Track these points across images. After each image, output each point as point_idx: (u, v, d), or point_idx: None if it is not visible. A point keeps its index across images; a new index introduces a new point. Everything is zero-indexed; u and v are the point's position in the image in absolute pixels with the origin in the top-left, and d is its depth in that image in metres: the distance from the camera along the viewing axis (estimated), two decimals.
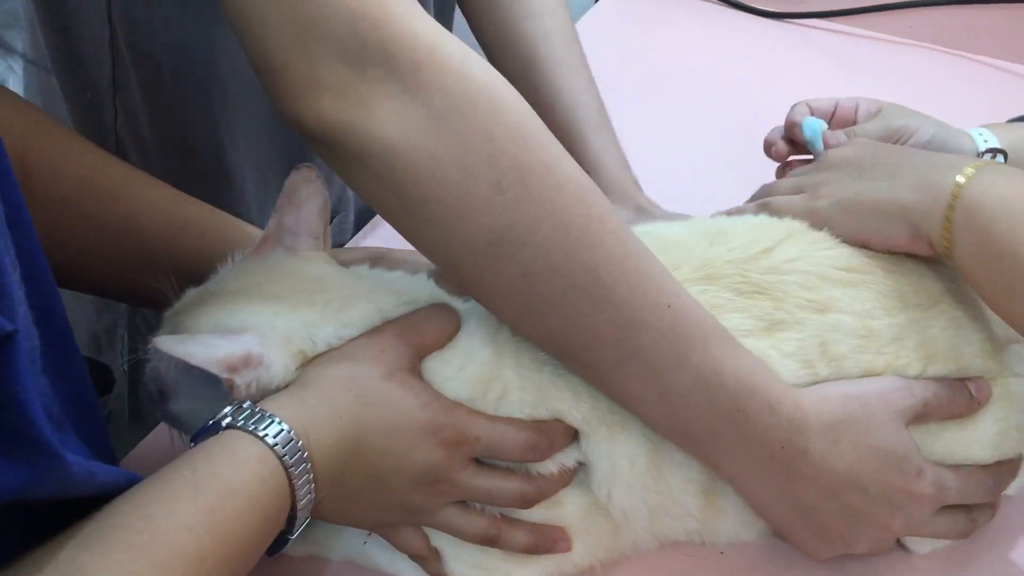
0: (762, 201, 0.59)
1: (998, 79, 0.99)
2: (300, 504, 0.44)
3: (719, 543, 0.54)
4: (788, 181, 0.60)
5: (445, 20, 0.77)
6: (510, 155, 0.44)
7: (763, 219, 0.57)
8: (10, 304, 0.35)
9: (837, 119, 0.66)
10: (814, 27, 1.07)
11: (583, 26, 0.76)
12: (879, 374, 0.51)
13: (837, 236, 0.54)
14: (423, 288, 0.52)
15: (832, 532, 0.51)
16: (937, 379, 0.52)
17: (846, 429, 0.49)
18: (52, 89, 0.72)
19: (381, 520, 0.50)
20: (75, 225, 0.53)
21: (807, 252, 0.53)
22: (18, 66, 0.85)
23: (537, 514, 0.51)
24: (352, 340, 0.49)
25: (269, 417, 0.44)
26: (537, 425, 0.50)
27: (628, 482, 0.50)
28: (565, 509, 0.51)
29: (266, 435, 0.43)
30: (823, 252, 0.54)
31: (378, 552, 0.53)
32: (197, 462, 0.42)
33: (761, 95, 0.95)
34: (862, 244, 0.54)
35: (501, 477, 0.49)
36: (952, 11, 1.07)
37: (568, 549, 0.51)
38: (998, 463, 0.53)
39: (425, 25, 0.43)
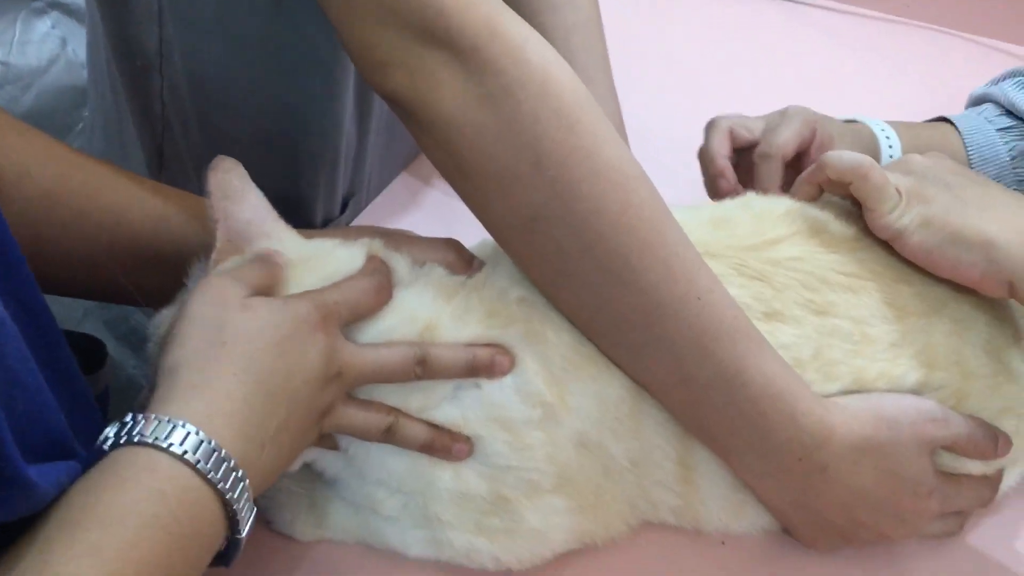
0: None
1: (998, 60, 0.99)
2: (241, 512, 0.42)
3: (708, 529, 0.55)
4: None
5: None
6: (553, 138, 0.47)
7: (770, 210, 0.56)
8: None
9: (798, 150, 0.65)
10: (811, 5, 1.07)
11: None
12: (871, 381, 0.52)
13: (901, 250, 0.53)
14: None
15: (834, 532, 0.53)
16: (975, 419, 0.53)
17: (870, 452, 0.50)
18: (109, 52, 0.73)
19: (305, 443, 0.48)
20: (57, 225, 0.53)
21: (811, 253, 0.54)
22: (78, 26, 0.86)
23: (514, 459, 0.50)
24: None
25: (170, 423, 0.41)
26: (373, 267, 0.50)
27: (612, 427, 0.51)
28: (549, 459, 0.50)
29: (218, 479, 0.41)
30: (828, 255, 0.54)
31: (389, 531, 0.53)
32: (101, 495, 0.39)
33: (757, 75, 0.95)
34: (927, 264, 0.53)
35: (383, 346, 0.49)
36: None
37: (466, 456, 0.50)
38: (991, 473, 0.55)
39: (487, 10, 0.47)
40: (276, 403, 0.44)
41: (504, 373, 0.50)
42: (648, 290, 0.48)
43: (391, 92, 0.48)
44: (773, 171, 0.64)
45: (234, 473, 0.42)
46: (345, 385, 0.48)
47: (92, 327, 0.91)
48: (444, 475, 0.50)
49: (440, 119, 0.47)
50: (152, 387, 0.45)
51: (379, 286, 0.50)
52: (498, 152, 0.47)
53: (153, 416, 0.41)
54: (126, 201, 0.54)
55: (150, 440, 0.40)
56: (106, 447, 0.41)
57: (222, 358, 0.44)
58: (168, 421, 0.41)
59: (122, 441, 0.41)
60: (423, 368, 0.49)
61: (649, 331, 0.49)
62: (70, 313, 0.90)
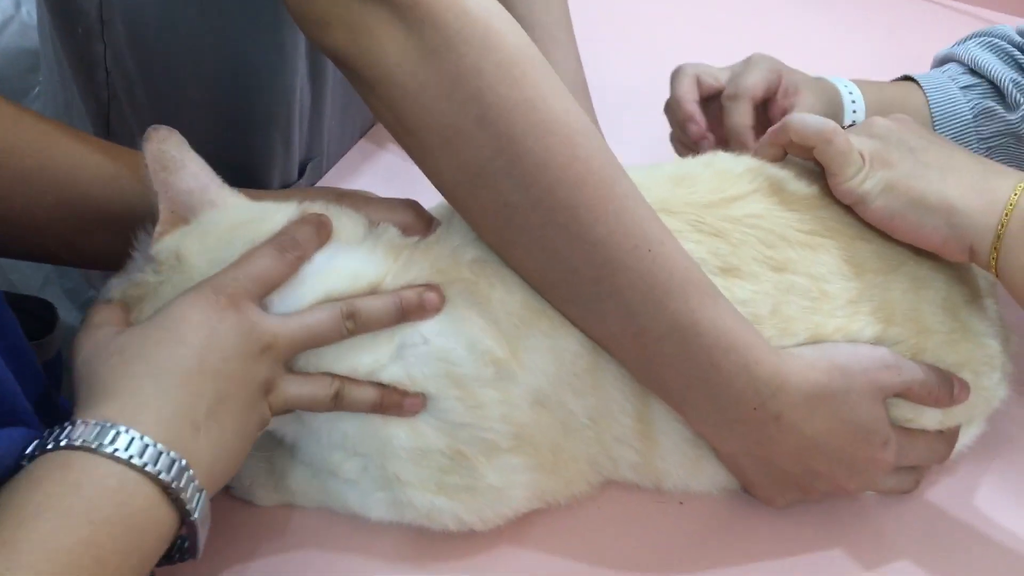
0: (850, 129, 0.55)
1: (965, 24, 0.99)
2: (185, 493, 0.41)
3: (667, 487, 0.55)
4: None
5: None
6: (496, 91, 0.46)
7: (731, 168, 0.56)
8: None
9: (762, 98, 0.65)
10: None
11: None
12: (829, 337, 0.52)
13: (864, 215, 0.53)
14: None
15: (790, 484, 0.53)
16: (929, 366, 0.53)
17: (824, 401, 0.50)
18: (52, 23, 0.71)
19: (253, 422, 0.47)
20: (2, 185, 0.51)
21: (771, 211, 0.54)
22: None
23: (468, 416, 0.49)
24: None
25: (81, 424, 0.40)
26: (281, 231, 0.49)
27: (570, 382, 0.51)
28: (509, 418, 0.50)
29: (130, 455, 0.40)
30: (788, 212, 0.54)
31: (350, 495, 0.53)
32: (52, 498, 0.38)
33: (720, 36, 0.95)
34: (889, 229, 0.53)
35: (308, 310, 0.48)
36: None
37: (419, 409, 0.49)
38: (947, 430, 0.55)
39: None
40: (196, 384, 0.43)
41: (436, 310, 0.49)
42: (598, 244, 0.48)
43: (333, 50, 0.48)
44: (743, 111, 0.64)
45: (163, 455, 0.41)
46: (279, 357, 0.47)
47: (52, 295, 0.90)
48: (399, 432, 0.50)
49: (383, 76, 0.47)
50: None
51: (281, 248, 0.48)
52: (441, 108, 0.46)
53: (58, 426, 0.41)
54: (76, 160, 0.53)
55: (62, 444, 0.40)
56: (24, 463, 0.40)
57: (115, 368, 0.43)
58: (79, 423, 0.40)
59: (36, 454, 0.40)
60: (354, 322, 0.48)
61: (600, 285, 0.48)
62: (30, 281, 0.88)
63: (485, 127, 0.46)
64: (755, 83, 0.64)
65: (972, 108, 0.69)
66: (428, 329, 0.50)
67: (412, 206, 0.54)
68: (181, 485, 0.41)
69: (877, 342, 0.53)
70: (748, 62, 0.66)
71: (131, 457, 0.40)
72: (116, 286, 0.51)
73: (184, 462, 0.41)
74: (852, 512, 0.56)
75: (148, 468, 0.40)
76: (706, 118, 0.66)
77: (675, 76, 0.67)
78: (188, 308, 0.45)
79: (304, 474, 0.54)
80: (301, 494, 0.55)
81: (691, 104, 0.66)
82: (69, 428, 0.41)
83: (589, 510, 0.55)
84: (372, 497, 0.52)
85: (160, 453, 0.41)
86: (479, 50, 0.46)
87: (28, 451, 0.41)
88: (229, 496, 0.55)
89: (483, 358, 0.50)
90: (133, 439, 0.40)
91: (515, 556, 0.53)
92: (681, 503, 0.56)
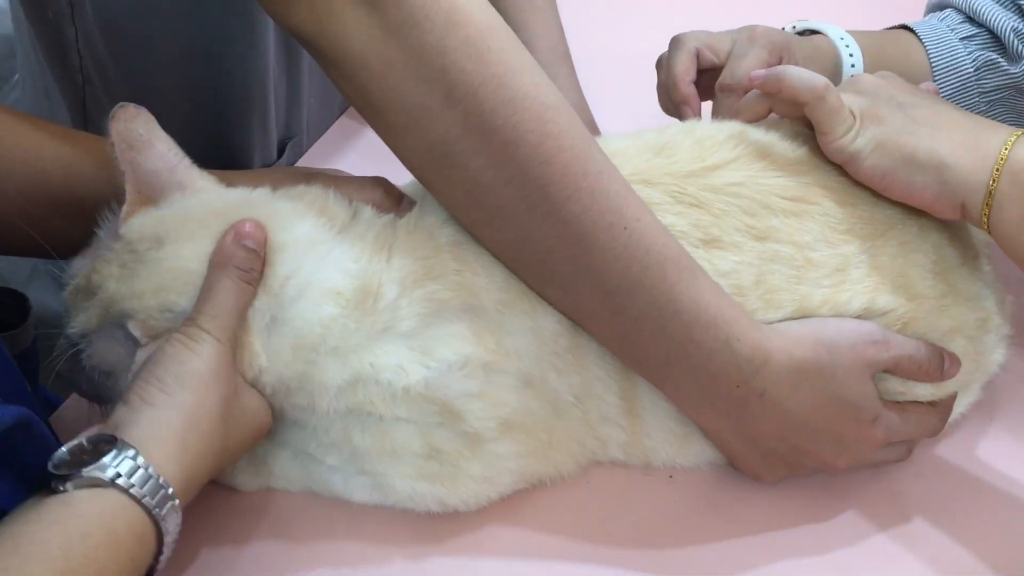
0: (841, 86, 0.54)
1: None
2: (168, 539, 0.43)
3: (656, 464, 0.54)
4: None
5: None
6: (463, 69, 0.45)
7: (712, 136, 0.54)
8: None
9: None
10: None
11: None
12: (815, 308, 0.51)
13: (855, 174, 0.52)
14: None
15: (777, 461, 0.52)
16: (920, 340, 0.52)
17: (809, 376, 0.49)
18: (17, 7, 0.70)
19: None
20: None
21: (753, 178, 0.52)
22: None
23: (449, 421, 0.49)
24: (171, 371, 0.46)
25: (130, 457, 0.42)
26: None
27: (552, 361, 0.50)
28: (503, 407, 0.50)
29: (132, 486, 0.42)
30: (770, 180, 0.52)
31: (333, 479, 0.53)
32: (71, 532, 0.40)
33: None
34: (881, 187, 0.52)
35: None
36: None
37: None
38: (940, 401, 0.54)
39: None
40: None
41: None
42: (571, 221, 0.47)
43: (295, 28, 0.47)
44: (734, 104, 0.61)
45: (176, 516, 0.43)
46: None
47: (41, 285, 0.89)
48: (366, 439, 0.49)
49: (346, 54, 0.46)
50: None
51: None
52: (407, 86, 0.46)
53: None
54: (34, 146, 0.52)
55: (107, 478, 0.41)
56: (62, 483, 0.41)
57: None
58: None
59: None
60: None
61: (576, 263, 0.47)
62: (17, 271, 0.88)
63: (452, 105, 0.45)
64: (751, 71, 0.60)
65: (973, 61, 0.67)
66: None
67: (381, 183, 0.53)
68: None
69: (865, 311, 0.51)
70: (750, 39, 0.64)
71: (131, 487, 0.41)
72: (81, 267, 0.50)
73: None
74: (847, 481, 0.55)
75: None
76: (700, 86, 0.64)
77: (674, 48, 0.65)
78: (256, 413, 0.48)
79: (287, 458, 0.54)
80: (284, 478, 0.54)
81: (688, 86, 0.64)
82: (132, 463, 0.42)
83: (578, 486, 0.54)
84: (355, 481, 0.52)
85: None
86: (444, 27, 0.45)
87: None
88: (212, 482, 0.54)
89: (473, 371, 0.49)
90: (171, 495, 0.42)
91: (503, 534, 0.53)
92: (671, 476, 0.55)
